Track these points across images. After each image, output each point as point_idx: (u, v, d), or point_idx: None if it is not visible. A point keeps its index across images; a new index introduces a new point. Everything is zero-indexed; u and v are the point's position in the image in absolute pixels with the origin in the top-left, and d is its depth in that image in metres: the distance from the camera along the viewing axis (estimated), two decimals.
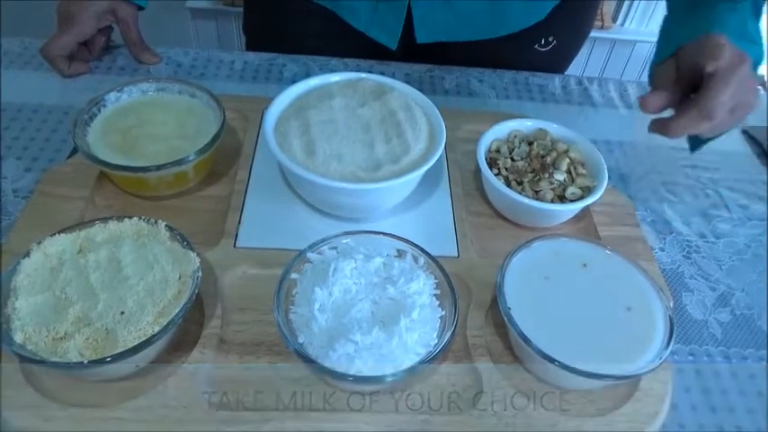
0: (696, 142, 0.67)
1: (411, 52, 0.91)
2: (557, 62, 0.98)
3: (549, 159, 0.64)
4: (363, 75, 0.68)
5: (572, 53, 1.00)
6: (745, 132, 0.88)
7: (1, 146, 0.69)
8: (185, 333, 0.50)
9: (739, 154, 0.84)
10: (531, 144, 0.68)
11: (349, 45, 0.91)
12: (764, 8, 0.65)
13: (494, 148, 0.68)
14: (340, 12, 0.87)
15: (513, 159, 0.66)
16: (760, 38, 0.62)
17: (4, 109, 0.74)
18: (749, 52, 0.58)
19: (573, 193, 0.62)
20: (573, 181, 0.63)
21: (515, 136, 0.69)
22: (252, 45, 1.02)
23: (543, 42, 0.92)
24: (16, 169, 0.67)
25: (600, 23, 1.96)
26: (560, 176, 0.63)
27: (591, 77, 0.95)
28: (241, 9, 1.02)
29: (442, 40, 0.88)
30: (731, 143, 0.85)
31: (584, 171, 0.65)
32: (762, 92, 1.73)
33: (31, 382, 0.46)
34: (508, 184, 0.63)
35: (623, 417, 0.49)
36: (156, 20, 0.89)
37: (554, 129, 0.69)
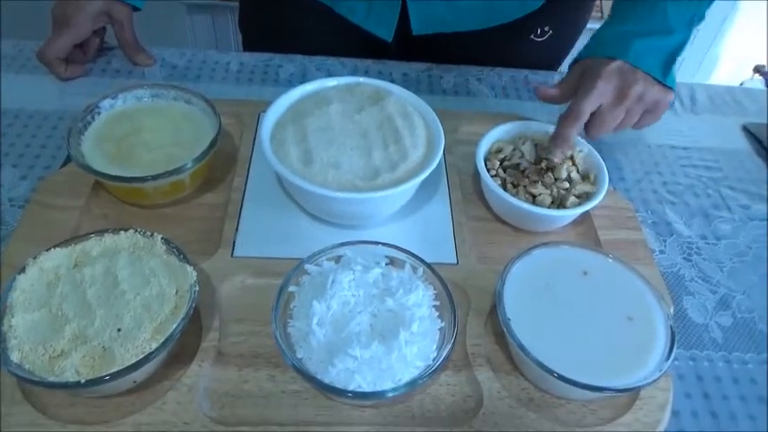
0: None
1: (407, 45, 0.90)
2: (553, 53, 0.98)
3: (544, 164, 0.64)
4: (361, 79, 0.67)
5: (569, 44, 0.99)
6: (745, 129, 0.87)
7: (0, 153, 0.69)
8: (183, 346, 0.50)
9: (740, 152, 0.83)
10: (536, 145, 0.67)
11: (345, 39, 0.90)
12: None
13: (494, 149, 0.67)
14: (336, 6, 0.87)
15: (513, 164, 0.65)
16: (682, 23, 0.67)
17: (3, 113, 0.74)
18: (661, 46, 0.66)
19: (572, 202, 0.61)
20: (574, 186, 0.63)
21: (519, 138, 0.68)
22: (248, 40, 1.01)
23: (539, 32, 0.91)
24: (12, 177, 0.66)
25: (599, 15, 1.94)
26: (563, 177, 0.63)
27: None
28: (237, 3, 1.01)
29: (438, 31, 0.87)
30: (732, 141, 0.85)
31: (585, 176, 0.64)
32: (761, 86, 1.72)
33: (29, 399, 0.46)
34: (504, 187, 0.63)
35: (624, 426, 0.49)
36: (151, 15, 0.88)
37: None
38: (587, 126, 0.66)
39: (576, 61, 0.70)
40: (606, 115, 0.65)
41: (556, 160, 0.64)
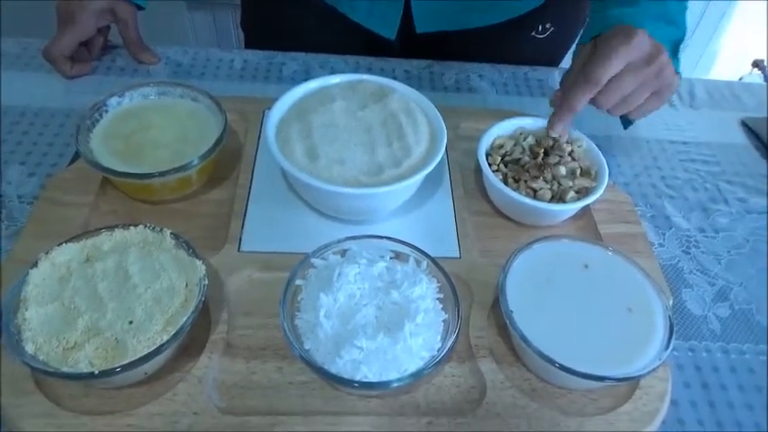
0: (626, 122, 0.72)
1: (410, 43, 0.91)
2: (554, 50, 0.99)
3: (543, 159, 0.65)
4: (364, 76, 0.68)
5: (570, 40, 1.00)
6: (744, 124, 0.88)
7: (1, 150, 0.70)
8: (192, 338, 0.51)
9: (738, 146, 0.84)
10: (537, 141, 0.68)
11: (348, 38, 0.91)
12: None
13: (495, 144, 0.68)
14: (338, 4, 0.87)
15: (514, 158, 0.66)
16: (681, 18, 0.66)
17: (6, 112, 0.75)
18: (667, 33, 0.62)
19: (571, 197, 0.62)
20: (572, 181, 0.64)
21: (521, 134, 0.69)
22: (249, 41, 1.02)
23: (540, 29, 0.92)
24: (20, 174, 0.67)
25: None
26: (562, 174, 0.63)
27: None
28: (237, 1, 1.02)
29: (442, 29, 0.88)
30: (730, 135, 0.86)
31: (585, 171, 0.65)
32: (760, 80, 1.72)
33: (42, 390, 0.47)
34: (505, 182, 0.64)
35: (624, 415, 0.50)
36: (152, 12, 0.89)
37: None
38: (574, 80, 0.62)
39: (583, 44, 0.66)
40: (625, 78, 0.59)
41: (553, 134, 0.62)
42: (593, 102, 0.62)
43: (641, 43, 0.59)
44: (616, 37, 0.59)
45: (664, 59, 0.60)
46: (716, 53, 2.14)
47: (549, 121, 0.64)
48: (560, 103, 0.62)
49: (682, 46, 0.65)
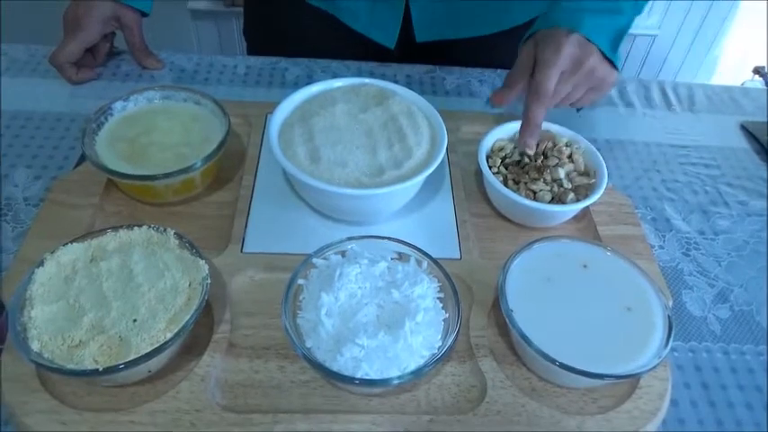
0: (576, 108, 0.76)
1: (410, 51, 0.92)
2: None
3: (542, 161, 0.66)
4: (366, 80, 0.69)
5: None
6: (743, 128, 0.89)
7: (5, 153, 0.71)
8: (195, 337, 0.52)
9: (738, 150, 0.85)
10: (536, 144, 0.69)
11: (349, 46, 0.92)
12: None
13: (495, 147, 0.69)
14: (339, 14, 0.88)
15: (513, 161, 0.67)
16: (628, 4, 0.69)
17: (13, 117, 0.76)
18: (608, 25, 0.66)
19: (571, 198, 0.63)
20: (572, 183, 0.64)
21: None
22: (252, 49, 1.03)
23: None
24: (26, 177, 0.68)
25: None
26: (561, 177, 0.64)
27: None
28: (241, 9, 1.03)
29: (441, 39, 0.88)
30: (730, 139, 0.86)
31: (583, 172, 0.66)
32: (761, 86, 1.73)
33: (47, 388, 0.47)
34: (505, 184, 0.65)
35: (624, 414, 0.50)
36: (156, 21, 0.90)
37: (554, 129, 0.70)
38: (528, 98, 0.67)
39: (526, 39, 0.70)
40: (559, 86, 0.65)
41: (530, 152, 0.66)
42: None
43: (569, 52, 0.64)
44: (548, 48, 0.65)
45: (592, 61, 0.65)
46: (716, 60, 2.15)
47: (520, 143, 0.67)
48: (524, 122, 0.66)
49: (626, 34, 0.68)
